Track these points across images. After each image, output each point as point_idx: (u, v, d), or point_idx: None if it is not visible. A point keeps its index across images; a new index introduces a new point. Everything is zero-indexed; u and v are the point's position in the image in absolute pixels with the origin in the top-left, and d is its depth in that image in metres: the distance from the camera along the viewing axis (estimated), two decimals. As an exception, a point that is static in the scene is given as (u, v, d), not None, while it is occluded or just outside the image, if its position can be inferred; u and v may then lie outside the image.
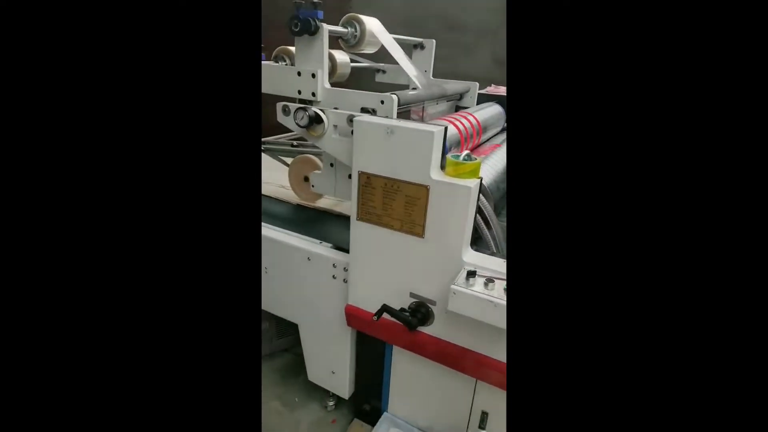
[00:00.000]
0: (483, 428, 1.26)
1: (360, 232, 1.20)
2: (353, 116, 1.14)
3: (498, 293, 0.96)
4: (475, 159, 1.04)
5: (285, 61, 1.47)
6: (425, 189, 1.04)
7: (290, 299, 1.50)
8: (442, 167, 1.07)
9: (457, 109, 1.97)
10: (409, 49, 1.87)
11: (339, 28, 1.37)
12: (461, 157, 1.03)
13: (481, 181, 1.06)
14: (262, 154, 1.81)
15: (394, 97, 1.18)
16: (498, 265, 1.04)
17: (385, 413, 1.48)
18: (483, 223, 1.15)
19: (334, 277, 1.34)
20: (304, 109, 1.17)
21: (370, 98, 1.22)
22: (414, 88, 1.97)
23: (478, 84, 1.92)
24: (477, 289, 0.98)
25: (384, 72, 2.07)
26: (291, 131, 2.11)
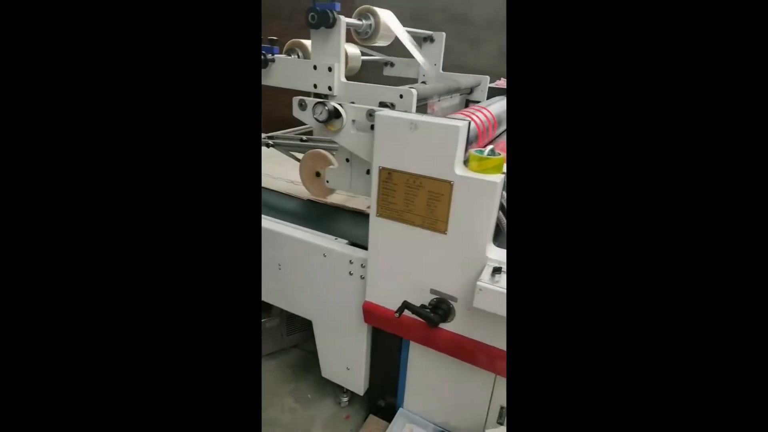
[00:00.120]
0: (502, 423, 1.27)
1: (379, 228, 1.18)
2: (373, 111, 1.12)
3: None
4: (500, 154, 1.03)
5: (297, 54, 1.44)
6: (449, 185, 1.03)
7: (304, 296, 1.48)
8: (465, 162, 1.06)
9: (467, 103, 1.95)
10: (418, 42, 1.85)
11: (354, 21, 1.35)
12: (485, 153, 1.02)
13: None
14: (272, 149, 1.79)
15: (414, 91, 1.17)
16: (522, 261, 1.03)
17: (400, 409, 1.47)
18: (505, 219, 1.15)
19: (350, 273, 1.33)
20: (323, 104, 1.15)
21: (388, 92, 1.20)
22: (423, 82, 1.95)
23: (488, 78, 1.91)
24: (503, 285, 0.97)
25: (392, 65, 2.04)
26: (299, 125, 2.10)
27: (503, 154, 1.03)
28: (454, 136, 0.99)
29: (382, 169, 1.11)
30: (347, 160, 1.35)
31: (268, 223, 1.49)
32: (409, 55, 1.68)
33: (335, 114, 1.17)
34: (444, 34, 1.87)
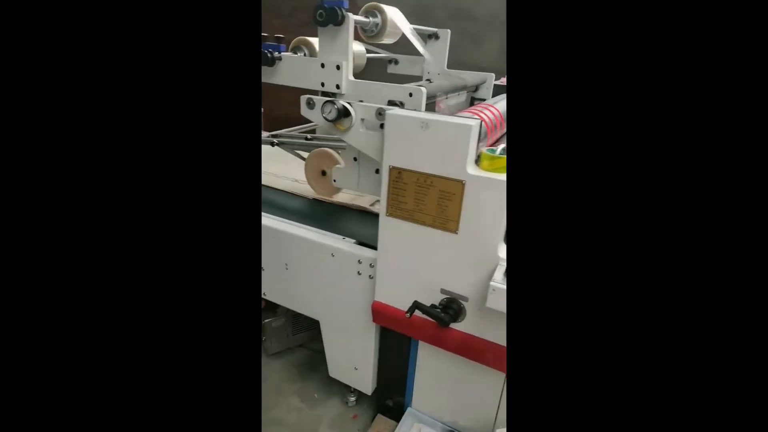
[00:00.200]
0: (511, 422, 1.26)
1: (389, 227, 1.17)
2: (383, 109, 1.11)
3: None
4: (512, 153, 1.02)
5: (304, 52, 1.43)
6: (461, 184, 1.02)
7: (312, 296, 1.48)
8: (476, 161, 1.05)
9: (472, 100, 1.94)
10: (422, 39, 1.84)
11: (361, 18, 1.33)
12: (497, 151, 1.01)
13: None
14: (276, 148, 1.77)
15: (423, 89, 1.16)
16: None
17: (409, 408, 1.47)
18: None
19: (359, 273, 1.32)
20: (332, 103, 1.14)
21: (397, 90, 1.19)
22: (428, 80, 1.94)
23: (494, 75, 1.89)
24: (516, 285, 0.96)
25: (397, 63, 2.03)
26: (299, 124, 2.09)
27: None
28: (467, 135, 0.98)
29: (392, 169, 1.10)
30: (355, 159, 1.34)
31: (274, 222, 1.48)
32: (413, 53, 1.67)
33: (344, 113, 1.15)
34: (449, 31, 1.86)
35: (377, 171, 1.27)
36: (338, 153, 1.52)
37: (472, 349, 1.19)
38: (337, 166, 1.43)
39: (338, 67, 1.22)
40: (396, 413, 1.52)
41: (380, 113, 1.12)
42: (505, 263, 1.02)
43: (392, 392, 1.51)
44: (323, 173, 1.59)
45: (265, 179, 1.86)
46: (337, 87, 1.24)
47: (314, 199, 1.71)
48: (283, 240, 1.44)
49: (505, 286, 0.96)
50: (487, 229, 1.03)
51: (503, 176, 0.99)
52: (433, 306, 1.17)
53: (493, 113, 1.44)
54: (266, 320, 1.79)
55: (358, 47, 1.68)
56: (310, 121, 1.92)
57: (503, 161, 1.01)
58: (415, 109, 1.16)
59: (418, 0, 2.72)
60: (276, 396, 1.69)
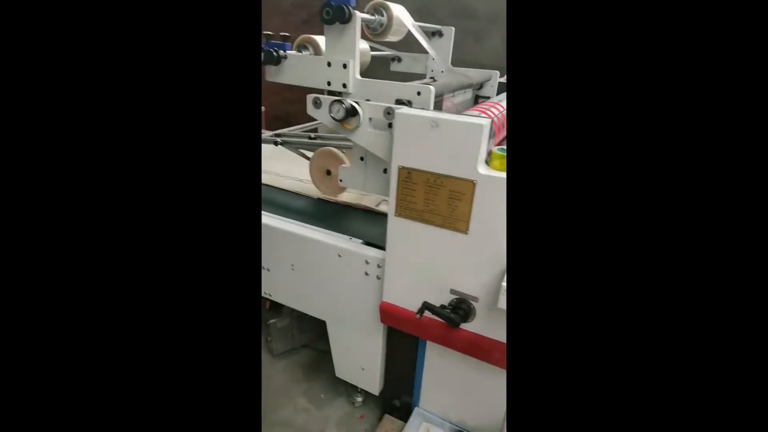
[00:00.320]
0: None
1: (398, 228, 1.17)
2: (392, 109, 1.09)
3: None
4: (523, 152, 1.01)
5: (309, 50, 1.41)
6: (471, 184, 1.01)
7: (318, 296, 1.47)
8: (486, 161, 1.04)
9: (477, 98, 1.93)
10: (426, 37, 1.82)
11: (367, 16, 1.32)
12: (508, 151, 1.00)
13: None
14: (280, 147, 1.76)
15: (432, 88, 1.15)
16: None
17: (416, 408, 1.47)
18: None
19: (366, 273, 1.31)
20: (341, 102, 1.13)
21: (405, 89, 1.18)
22: (432, 78, 1.93)
23: (498, 73, 1.88)
24: (529, 285, 0.96)
25: (399, 60, 2.02)
26: (298, 123, 2.07)
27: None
28: (478, 135, 0.97)
29: (401, 169, 1.09)
30: (361, 158, 1.33)
31: (280, 222, 1.46)
32: (415, 50, 1.65)
33: (352, 112, 1.14)
34: (453, 28, 1.85)
35: (385, 171, 1.26)
36: (343, 152, 1.51)
37: (480, 349, 1.19)
38: (343, 165, 1.41)
39: (345, 66, 1.20)
40: (403, 413, 1.51)
41: (389, 112, 1.10)
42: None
43: (399, 392, 1.51)
44: (328, 173, 1.58)
45: (270, 179, 1.85)
46: (344, 86, 1.23)
47: (319, 198, 1.70)
48: (289, 240, 1.43)
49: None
50: (498, 229, 1.03)
51: (514, 176, 0.98)
52: (442, 306, 1.16)
53: (500, 111, 1.43)
54: (271, 321, 1.78)
55: (362, 45, 1.67)
56: (311, 120, 1.91)
57: (514, 160, 1.00)
58: (423, 108, 1.15)
59: (420, -3, 2.70)
60: (282, 397, 1.68)
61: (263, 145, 1.77)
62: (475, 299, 1.13)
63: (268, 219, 1.48)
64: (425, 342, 1.35)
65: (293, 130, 1.98)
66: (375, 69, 1.81)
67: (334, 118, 1.15)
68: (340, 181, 1.41)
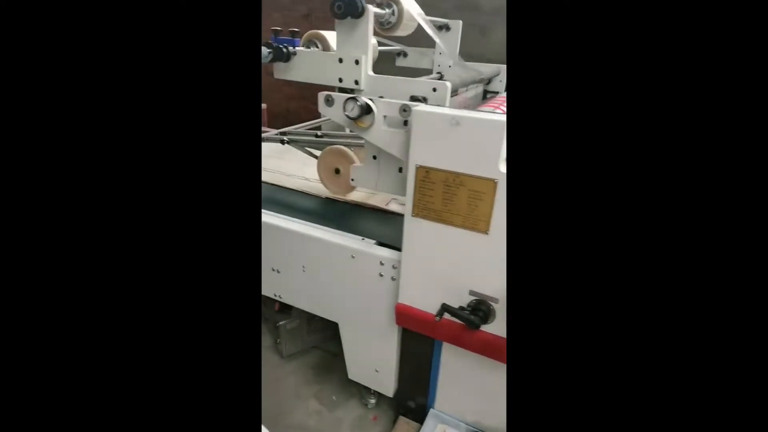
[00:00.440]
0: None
1: (415, 228, 1.14)
2: (408, 106, 1.06)
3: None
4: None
5: (317, 46, 1.38)
6: (492, 183, 0.98)
7: (331, 298, 1.44)
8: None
9: (485, 93, 1.90)
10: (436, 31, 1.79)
11: (378, 10, 1.28)
12: (530, 148, 0.98)
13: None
14: (286, 145, 1.72)
15: (448, 84, 1.12)
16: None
17: (432, 410, 1.45)
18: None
19: (380, 275, 1.29)
20: (355, 99, 1.09)
21: (420, 85, 1.15)
22: (439, 73, 1.89)
23: (506, 67, 1.85)
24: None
25: (405, 55, 1.98)
26: (298, 121, 2.04)
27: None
28: (500, 132, 0.94)
29: (419, 168, 1.06)
30: (374, 157, 1.29)
31: (289, 223, 1.43)
32: (421, 45, 1.61)
33: (367, 110, 1.11)
34: (460, 22, 1.81)
35: (400, 170, 1.23)
36: (351, 150, 1.48)
37: (499, 350, 1.16)
38: (355, 164, 1.38)
39: (357, 62, 1.17)
40: (417, 415, 1.50)
41: (405, 110, 1.07)
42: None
43: (413, 393, 1.49)
44: (337, 171, 1.55)
45: (276, 178, 1.81)
46: (356, 83, 1.20)
47: (327, 198, 1.67)
48: (299, 241, 1.40)
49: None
50: (520, 228, 1.00)
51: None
52: (461, 308, 1.14)
53: (513, 107, 1.40)
54: (281, 322, 1.75)
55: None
56: (312, 118, 1.87)
57: (536, 158, 0.97)
58: (438, 105, 1.12)
59: (423, -10, 2.66)
60: (294, 399, 1.66)
61: (269, 144, 1.74)
62: (495, 300, 1.11)
63: (277, 220, 1.45)
64: (441, 343, 1.32)
65: (298, 128, 1.95)
66: (380, 64, 1.77)
67: (348, 116, 1.12)
68: (352, 180, 1.38)
